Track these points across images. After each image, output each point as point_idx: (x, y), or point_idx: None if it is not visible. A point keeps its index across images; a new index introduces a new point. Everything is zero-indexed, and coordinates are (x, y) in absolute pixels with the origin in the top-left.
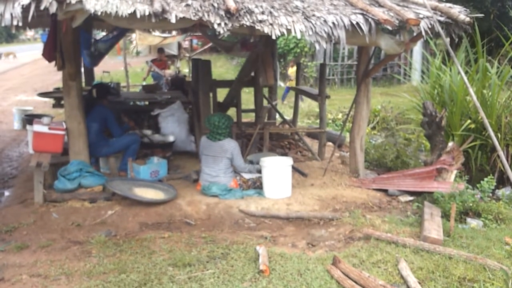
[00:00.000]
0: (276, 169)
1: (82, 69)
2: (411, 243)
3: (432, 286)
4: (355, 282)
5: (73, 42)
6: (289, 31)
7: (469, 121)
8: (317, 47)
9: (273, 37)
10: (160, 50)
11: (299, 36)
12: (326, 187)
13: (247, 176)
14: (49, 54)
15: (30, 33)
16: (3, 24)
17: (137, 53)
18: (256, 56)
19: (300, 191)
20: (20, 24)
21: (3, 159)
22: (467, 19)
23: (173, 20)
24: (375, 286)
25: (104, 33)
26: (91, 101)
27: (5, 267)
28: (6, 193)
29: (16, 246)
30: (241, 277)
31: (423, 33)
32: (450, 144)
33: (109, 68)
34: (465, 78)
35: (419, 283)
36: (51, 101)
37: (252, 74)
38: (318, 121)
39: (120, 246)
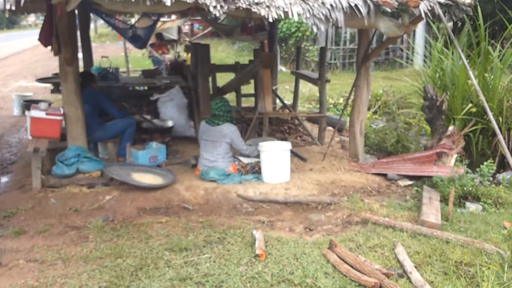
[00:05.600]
0: (274, 153)
1: (81, 54)
2: (408, 228)
3: (429, 270)
4: (351, 266)
5: (68, 27)
6: (286, 13)
7: (470, 105)
8: (315, 30)
9: (270, 20)
10: (159, 35)
11: (296, 19)
12: (325, 171)
13: (245, 161)
14: (45, 39)
15: (31, 19)
16: None
17: None
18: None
19: (299, 176)
20: (13, 8)
21: (2, 145)
22: (468, 1)
23: (168, 3)
24: (371, 271)
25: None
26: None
27: (3, 252)
28: (5, 179)
29: (13, 231)
30: (237, 262)
31: (423, 15)
32: (451, 128)
33: (109, 53)
34: (465, 61)
35: (416, 267)
36: (51, 86)
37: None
38: (319, 105)
39: (117, 231)
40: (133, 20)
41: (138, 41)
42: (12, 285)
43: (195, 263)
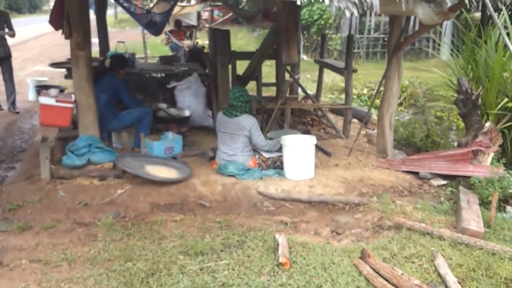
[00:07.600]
0: (298, 148)
1: (97, 40)
2: (448, 235)
3: (474, 287)
4: (387, 280)
5: (80, 9)
6: None
7: (506, 99)
8: (347, 14)
9: (298, 3)
10: (177, 22)
11: (327, 2)
12: (351, 168)
13: (266, 155)
14: (56, 21)
15: (53, 3)
16: None
17: None
18: (279, 29)
19: (323, 172)
20: None
21: (14, 131)
22: None
23: None
24: (409, 286)
25: None
26: (102, 72)
27: (5, 250)
28: (14, 168)
29: (18, 226)
30: (258, 270)
31: (466, 1)
32: (487, 124)
33: (129, 39)
34: (509, 45)
35: (459, 282)
36: (65, 71)
37: (274, 46)
38: (342, 96)
39: (128, 230)
40: (151, 5)
41: (154, 27)
42: None
43: (212, 270)
